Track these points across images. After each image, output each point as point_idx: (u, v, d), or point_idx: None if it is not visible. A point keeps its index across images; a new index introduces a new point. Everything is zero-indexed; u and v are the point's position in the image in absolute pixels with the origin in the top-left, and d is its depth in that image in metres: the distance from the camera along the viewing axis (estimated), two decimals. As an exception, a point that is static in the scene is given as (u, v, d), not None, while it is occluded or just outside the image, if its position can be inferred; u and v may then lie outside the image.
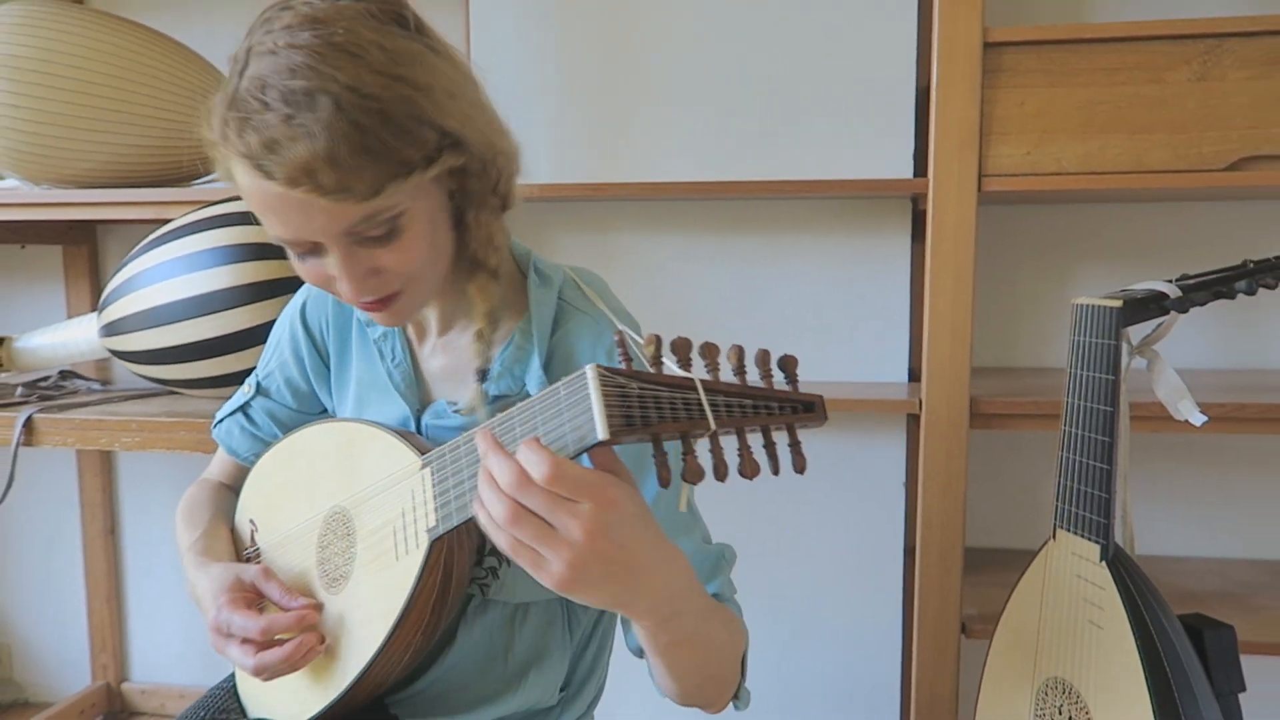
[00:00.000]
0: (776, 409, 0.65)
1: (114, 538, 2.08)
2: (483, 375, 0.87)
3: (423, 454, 0.81)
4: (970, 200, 1.38)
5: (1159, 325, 1.10)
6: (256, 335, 1.35)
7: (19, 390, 1.66)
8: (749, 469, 0.65)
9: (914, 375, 1.70)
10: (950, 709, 1.47)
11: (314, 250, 0.79)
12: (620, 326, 0.81)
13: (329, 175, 0.70)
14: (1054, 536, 1.12)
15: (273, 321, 1.09)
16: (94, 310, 1.53)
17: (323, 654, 0.85)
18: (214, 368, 1.39)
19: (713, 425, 0.63)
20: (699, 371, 0.65)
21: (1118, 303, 1.04)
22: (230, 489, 1.07)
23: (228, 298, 1.34)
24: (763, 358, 0.66)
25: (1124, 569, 1.03)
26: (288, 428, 1.03)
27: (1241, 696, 1.05)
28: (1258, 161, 1.33)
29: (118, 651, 2.10)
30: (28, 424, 1.48)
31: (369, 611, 0.83)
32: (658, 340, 0.64)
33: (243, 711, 0.96)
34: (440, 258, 0.84)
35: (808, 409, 0.66)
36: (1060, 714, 1.09)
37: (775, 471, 0.65)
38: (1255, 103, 1.32)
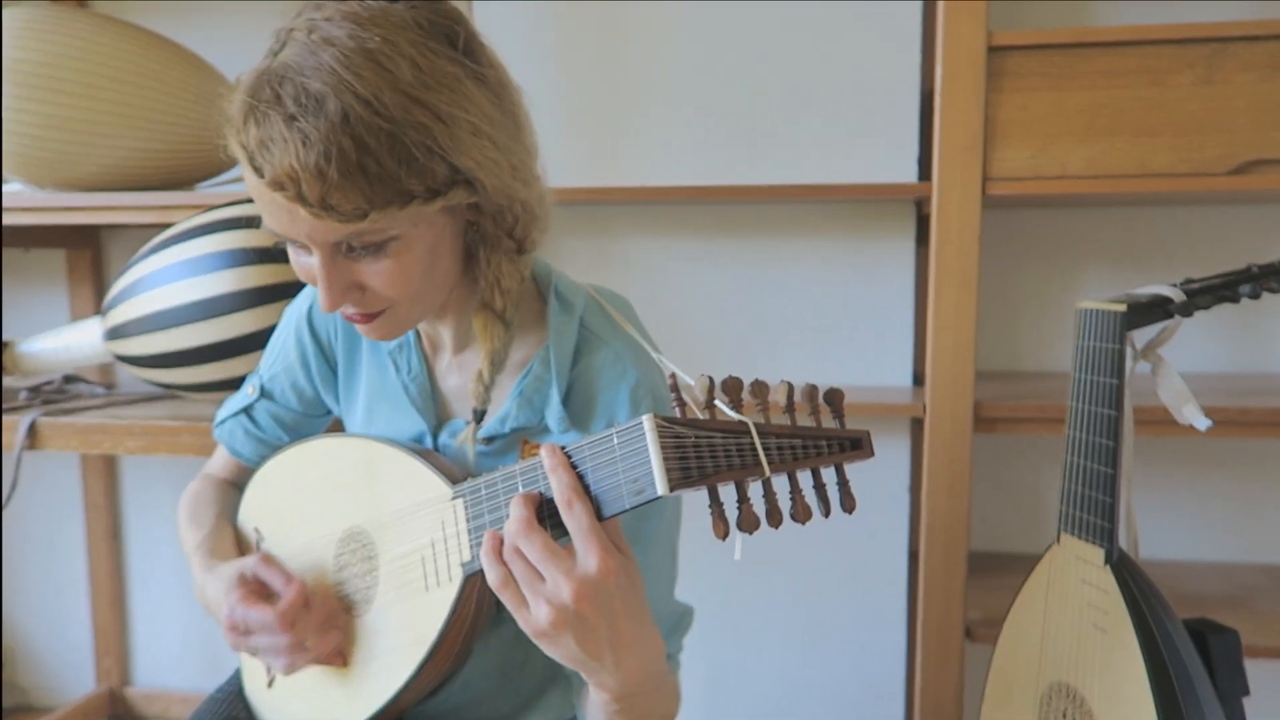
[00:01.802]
0: (825, 448, 0.63)
1: (117, 541, 2.08)
2: (478, 416, 0.84)
3: (453, 484, 0.79)
4: (974, 204, 1.38)
5: (1163, 329, 1.10)
6: (261, 340, 1.35)
7: (23, 394, 1.66)
8: (802, 513, 0.63)
9: (918, 379, 1.69)
10: (954, 713, 1.46)
11: (306, 246, 0.76)
12: (672, 368, 0.76)
13: (313, 188, 0.68)
14: (1058, 540, 1.12)
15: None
16: (98, 314, 1.53)
17: (348, 675, 0.85)
18: (218, 372, 1.39)
19: (767, 471, 0.62)
20: (745, 410, 0.63)
21: (1122, 307, 1.04)
22: (235, 486, 1.06)
23: (232, 302, 1.34)
24: (810, 393, 0.64)
25: (1128, 573, 1.03)
26: (292, 430, 1.03)
27: (1245, 700, 1.05)
28: (1262, 165, 1.33)
29: (121, 655, 2.10)
30: (31, 428, 1.48)
31: (397, 639, 0.82)
32: (711, 383, 0.62)
33: (253, 717, 0.96)
34: (437, 288, 0.80)
35: (855, 446, 0.64)
36: (1065, 719, 1.08)
37: (826, 514, 0.64)
38: (1259, 106, 1.32)
